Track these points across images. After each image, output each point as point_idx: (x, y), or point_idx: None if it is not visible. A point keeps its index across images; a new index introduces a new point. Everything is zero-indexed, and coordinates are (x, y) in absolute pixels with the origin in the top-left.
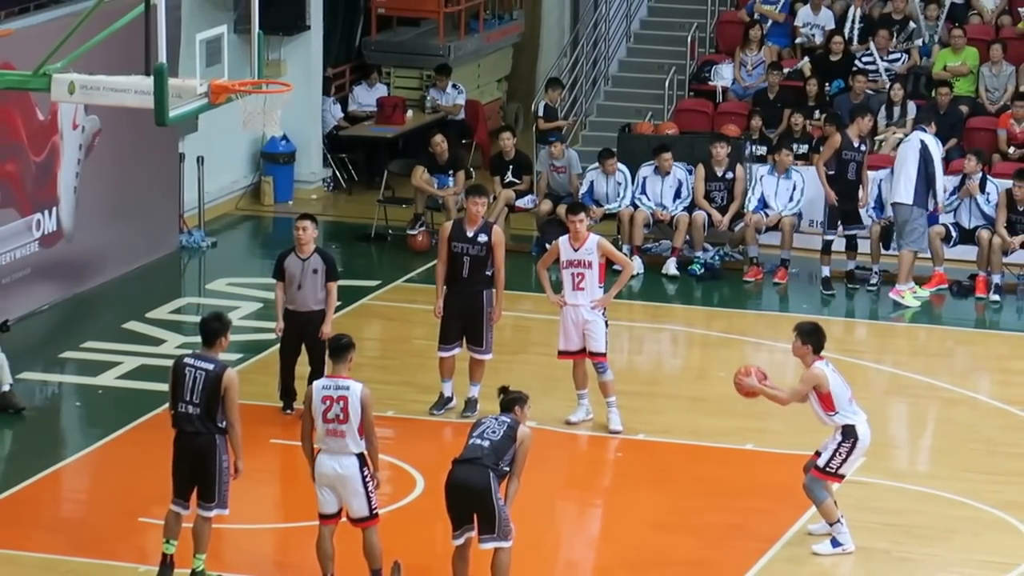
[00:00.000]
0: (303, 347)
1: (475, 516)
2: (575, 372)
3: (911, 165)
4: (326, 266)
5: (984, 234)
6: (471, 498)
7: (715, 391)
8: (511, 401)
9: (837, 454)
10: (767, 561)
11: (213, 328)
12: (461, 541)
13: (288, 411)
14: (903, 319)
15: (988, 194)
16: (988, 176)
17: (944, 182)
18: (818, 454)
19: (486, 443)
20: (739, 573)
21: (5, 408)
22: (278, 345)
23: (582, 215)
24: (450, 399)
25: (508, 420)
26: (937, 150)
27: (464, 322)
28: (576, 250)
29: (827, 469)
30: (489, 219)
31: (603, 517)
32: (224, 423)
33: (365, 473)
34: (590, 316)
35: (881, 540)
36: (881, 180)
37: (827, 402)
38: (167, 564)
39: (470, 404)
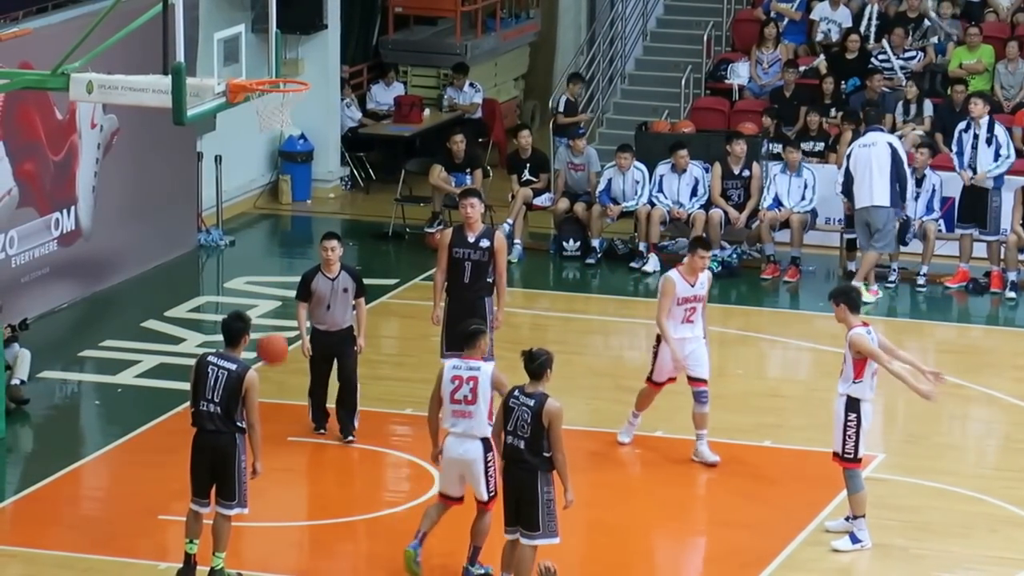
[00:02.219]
0: (333, 366)
1: (520, 513)
2: (649, 397)
3: (885, 168)
4: (355, 283)
5: (930, 227)
6: (521, 501)
7: (733, 388)
8: (540, 367)
9: (848, 437)
10: (785, 557)
11: (236, 328)
12: (512, 537)
13: (321, 430)
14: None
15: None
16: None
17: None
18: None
19: (521, 444)
20: (759, 568)
21: (13, 401)
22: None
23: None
24: None
25: (532, 403)
26: (902, 149)
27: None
28: (692, 285)
29: (846, 456)
30: (507, 218)
31: (622, 513)
32: (243, 423)
33: (489, 458)
34: (696, 344)
35: (899, 537)
36: (839, 181)
37: (859, 368)
38: (190, 564)
39: None
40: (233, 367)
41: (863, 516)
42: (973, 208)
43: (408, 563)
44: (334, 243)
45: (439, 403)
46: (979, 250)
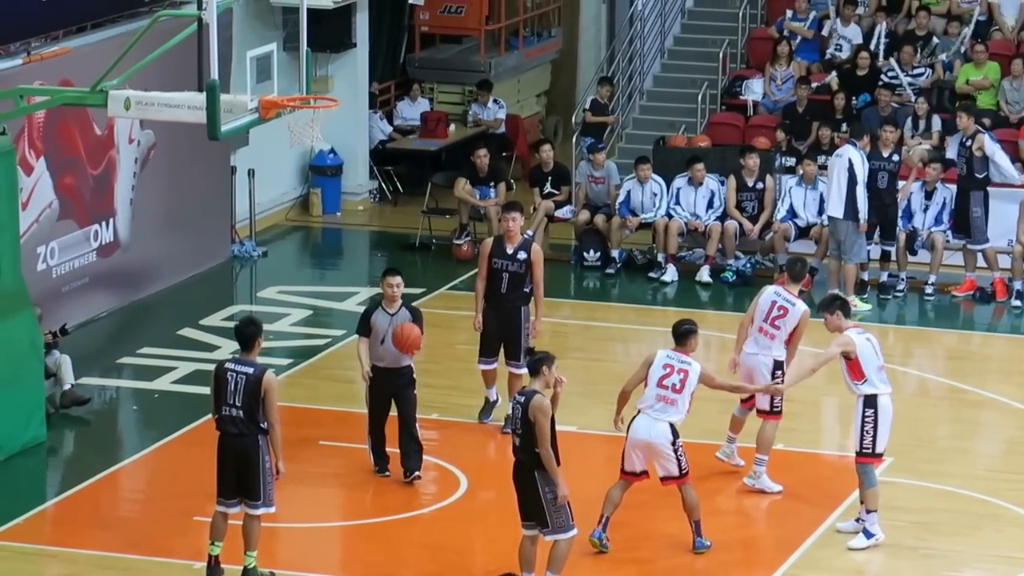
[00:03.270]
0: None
1: (531, 513)
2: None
3: (841, 180)
4: (413, 318)
5: (938, 239)
6: (525, 499)
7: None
8: (537, 363)
9: (865, 432)
10: (799, 556)
11: (249, 332)
12: (529, 533)
13: (384, 473)
14: (855, 318)
15: (937, 204)
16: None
17: (864, 199)
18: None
19: (518, 440)
20: (772, 568)
21: (72, 404)
22: (366, 402)
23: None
24: (496, 401)
25: (523, 400)
26: (862, 166)
27: (503, 337)
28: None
29: (864, 451)
30: (528, 229)
31: (640, 513)
32: (265, 424)
33: (677, 441)
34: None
35: (908, 537)
36: (822, 193)
37: (855, 370)
38: (213, 565)
39: (487, 408)
40: (251, 371)
41: (875, 511)
42: (961, 219)
43: (597, 546)
44: (398, 279)
45: (636, 383)
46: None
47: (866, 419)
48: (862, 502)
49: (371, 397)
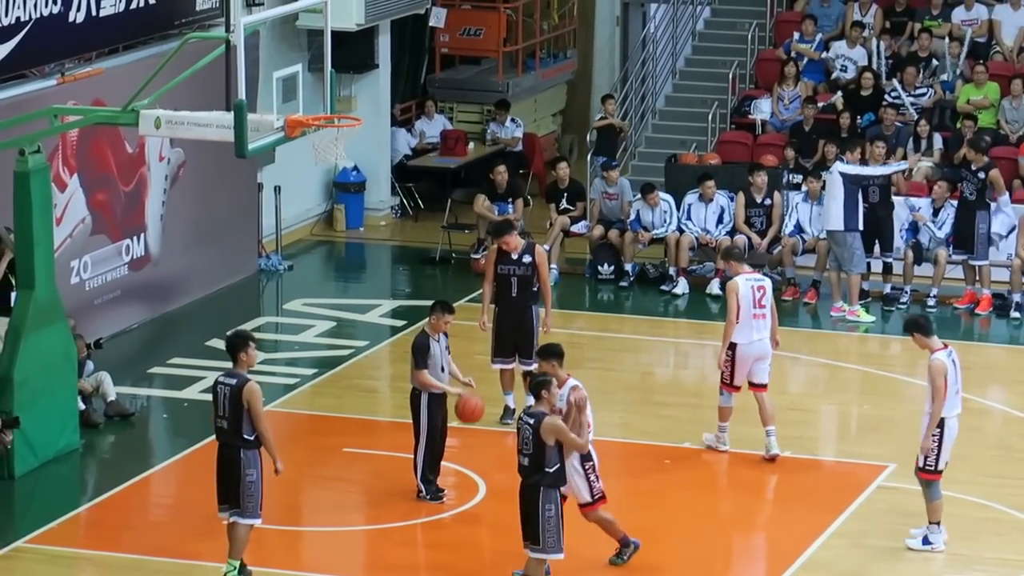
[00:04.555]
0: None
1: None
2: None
3: (838, 194)
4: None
5: (941, 254)
6: (525, 517)
7: (755, 403)
8: (537, 386)
9: (930, 450)
10: (805, 559)
11: (232, 344)
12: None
13: (437, 498)
14: (857, 329)
15: (943, 220)
16: (948, 202)
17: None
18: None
19: (527, 460)
20: (780, 569)
21: (117, 415)
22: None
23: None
24: (514, 411)
25: (532, 422)
26: (841, 180)
27: (516, 337)
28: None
29: (927, 467)
30: (545, 244)
31: (652, 517)
32: (250, 435)
33: (585, 465)
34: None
35: (912, 542)
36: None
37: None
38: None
39: (507, 412)
40: (233, 382)
41: (938, 523)
42: (963, 236)
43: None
44: (450, 317)
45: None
46: (927, 270)
47: (932, 438)
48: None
49: (429, 422)
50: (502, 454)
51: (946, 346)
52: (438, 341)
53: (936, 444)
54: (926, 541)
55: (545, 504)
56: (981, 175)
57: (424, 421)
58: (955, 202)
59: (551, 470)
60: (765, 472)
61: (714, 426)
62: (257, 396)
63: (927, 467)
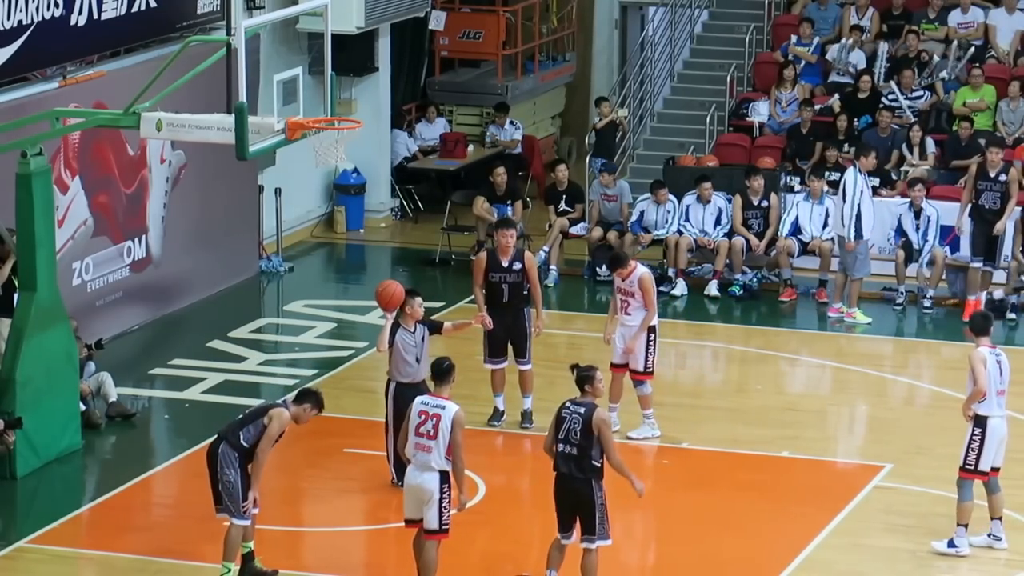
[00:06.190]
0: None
1: (579, 519)
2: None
3: (854, 200)
4: (428, 328)
5: (939, 255)
6: (579, 509)
7: (753, 403)
8: (583, 379)
9: (970, 450)
10: (802, 560)
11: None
12: (568, 541)
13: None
14: (855, 330)
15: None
16: (927, 202)
17: (869, 215)
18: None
19: (574, 450)
20: (777, 570)
21: (119, 415)
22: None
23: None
24: (503, 412)
25: (582, 412)
26: (858, 185)
27: (509, 338)
28: (624, 279)
29: (967, 467)
30: (544, 245)
31: (649, 518)
32: (236, 439)
33: (444, 490)
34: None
35: (907, 541)
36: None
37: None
38: (246, 561)
39: (526, 416)
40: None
41: (965, 525)
42: (984, 245)
43: None
44: (419, 301)
45: (406, 435)
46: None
47: (974, 437)
48: (992, 514)
49: (395, 410)
50: (499, 454)
51: (993, 347)
52: (413, 332)
53: (978, 444)
54: (951, 544)
55: (598, 493)
56: (1002, 178)
57: (390, 409)
58: (935, 202)
59: (598, 464)
60: (763, 472)
61: (714, 426)
62: (278, 426)
63: (966, 465)
